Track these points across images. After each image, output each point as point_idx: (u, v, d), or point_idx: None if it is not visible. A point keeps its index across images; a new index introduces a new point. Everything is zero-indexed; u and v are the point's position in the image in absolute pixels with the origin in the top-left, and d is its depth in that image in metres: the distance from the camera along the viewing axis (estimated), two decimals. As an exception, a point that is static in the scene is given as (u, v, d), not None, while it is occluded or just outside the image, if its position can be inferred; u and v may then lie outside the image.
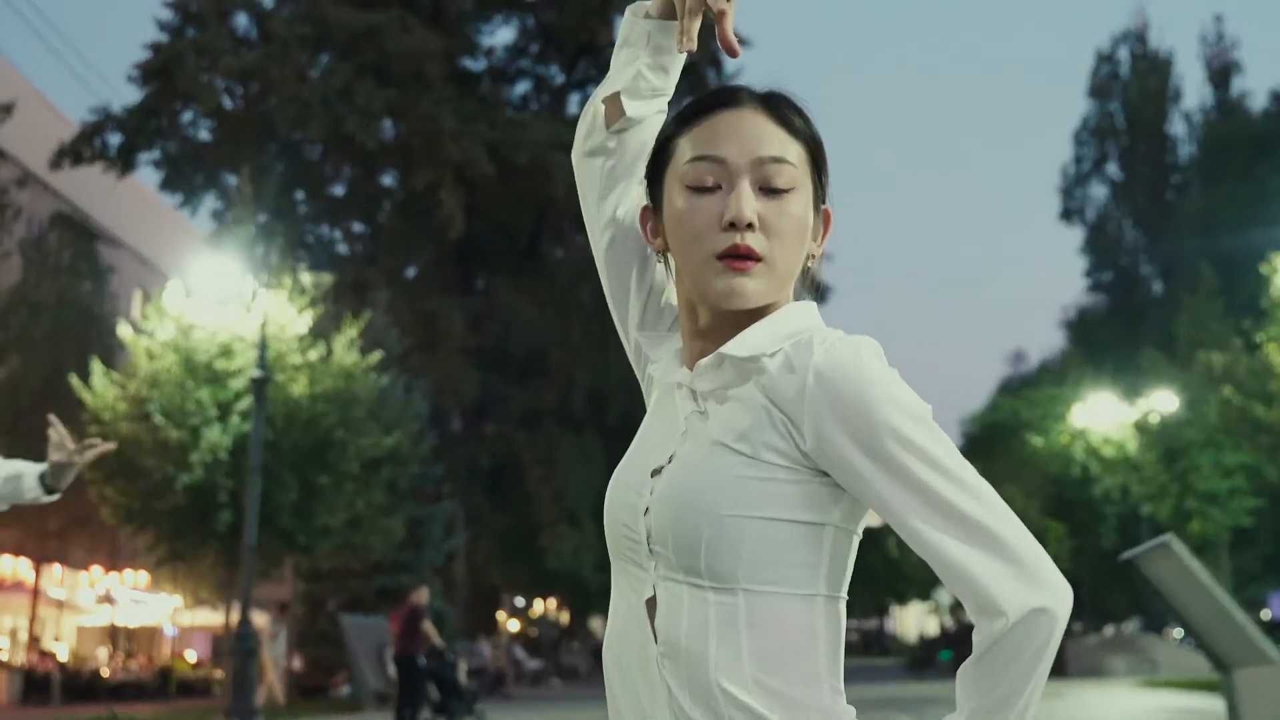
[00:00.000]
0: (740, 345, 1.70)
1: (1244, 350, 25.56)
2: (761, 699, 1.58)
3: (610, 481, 1.86)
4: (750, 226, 1.70)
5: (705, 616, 1.61)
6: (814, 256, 1.83)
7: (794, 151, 1.77)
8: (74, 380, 23.54)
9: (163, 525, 23.29)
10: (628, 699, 1.69)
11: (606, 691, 1.76)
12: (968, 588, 1.59)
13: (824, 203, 1.82)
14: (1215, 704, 20.72)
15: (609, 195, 1.97)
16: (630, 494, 1.76)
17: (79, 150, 39.68)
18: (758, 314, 1.75)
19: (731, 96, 1.82)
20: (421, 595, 20.96)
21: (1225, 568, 29.77)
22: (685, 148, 1.79)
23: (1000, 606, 1.57)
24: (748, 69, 34.46)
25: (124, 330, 23.90)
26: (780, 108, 1.80)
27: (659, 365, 1.88)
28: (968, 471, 1.62)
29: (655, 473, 1.74)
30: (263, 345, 21.92)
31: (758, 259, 1.72)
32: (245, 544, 21.26)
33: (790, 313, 1.76)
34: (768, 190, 1.74)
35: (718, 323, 1.76)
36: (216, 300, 23.72)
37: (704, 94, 1.86)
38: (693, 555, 1.62)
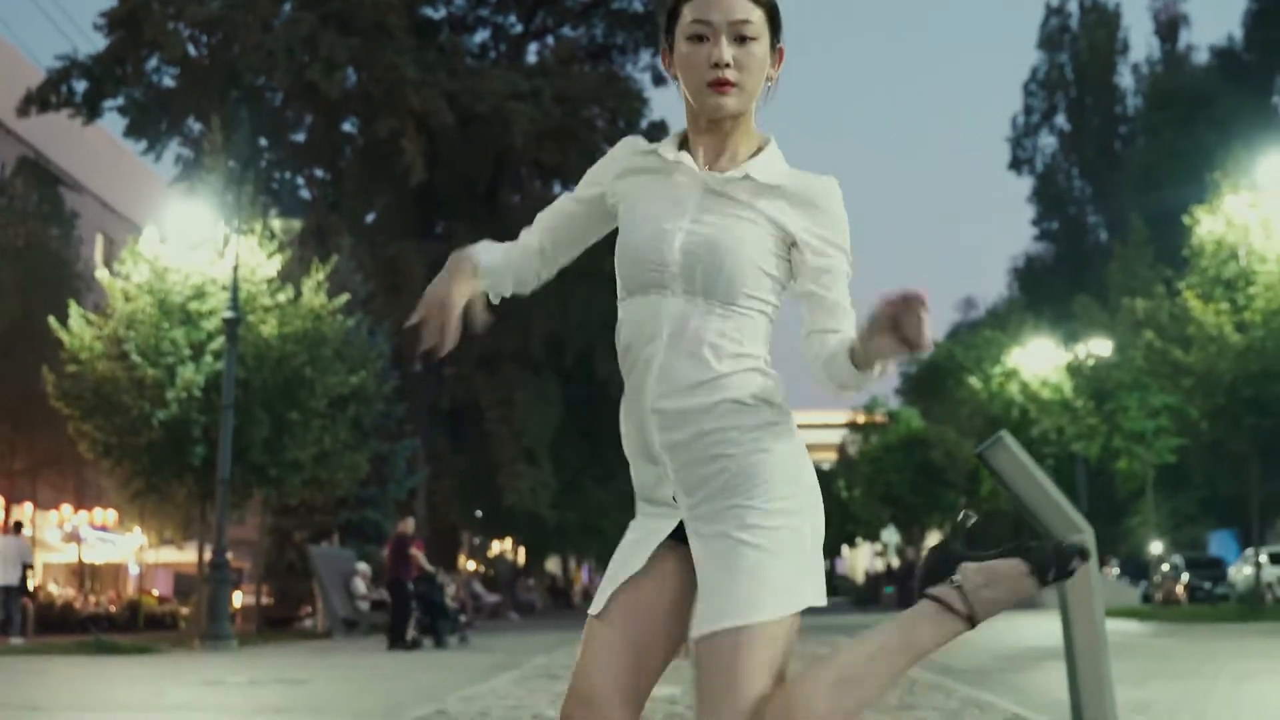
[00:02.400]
0: (765, 173, 2.69)
1: (1166, 297, 26.95)
2: (733, 349, 2.58)
3: (632, 231, 2.70)
4: (727, 66, 2.69)
5: (708, 314, 2.60)
6: (771, 78, 2.81)
7: (756, 14, 2.64)
8: (52, 321, 24.36)
9: (139, 460, 24.16)
10: (643, 358, 2.64)
11: (627, 394, 2.68)
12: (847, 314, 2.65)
13: (779, 43, 2.80)
14: (1129, 625, 22.26)
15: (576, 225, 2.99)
16: (658, 239, 2.64)
17: (46, 97, 40.26)
18: (736, 122, 2.69)
19: None
20: (408, 525, 22.44)
21: (1152, 503, 31.14)
22: (687, 13, 2.65)
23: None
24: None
25: (101, 274, 24.70)
26: None
27: (625, 179, 2.80)
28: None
29: (678, 225, 2.68)
30: (234, 288, 23.02)
31: (733, 85, 2.62)
32: (219, 477, 22.43)
33: (775, 151, 2.76)
34: (739, 40, 2.63)
35: (712, 126, 2.74)
36: (189, 245, 24.64)
37: None
38: (712, 280, 2.61)
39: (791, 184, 2.67)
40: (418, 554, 22.22)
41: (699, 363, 2.56)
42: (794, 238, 2.63)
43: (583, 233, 2.95)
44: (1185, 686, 10.21)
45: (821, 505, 2.64)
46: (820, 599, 2.56)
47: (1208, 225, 26.24)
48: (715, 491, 2.54)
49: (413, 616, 21.63)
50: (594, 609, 2.65)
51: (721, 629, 2.47)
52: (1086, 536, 5.90)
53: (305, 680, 13.19)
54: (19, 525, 28.16)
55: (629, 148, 2.82)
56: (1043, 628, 23.11)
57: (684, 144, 2.75)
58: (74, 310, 24.33)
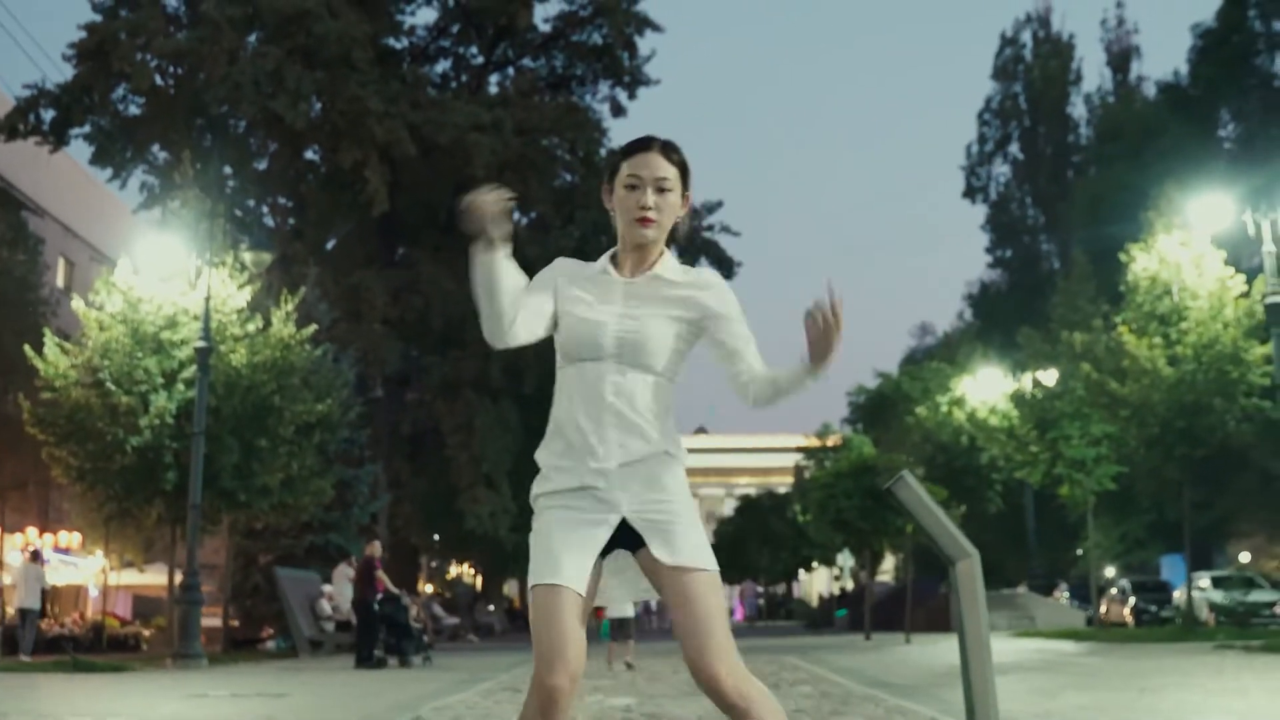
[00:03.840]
0: (668, 271, 3.76)
1: (1104, 331, 28.13)
2: (662, 417, 3.66)
3: (571, 319, 3.68)
4: (650, 208, 3.69)
5: (642, 383, 3.66)
6: (679, 219, 3.88)
7: (672, 172, 3.68)
8: (27, 349, 25.10)
9: (112, 484, 24.86)
10: (590, 423, 3.64)
11: (569, 427, 3.67)
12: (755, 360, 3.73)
13: (687, 191, 3.88)
14: (1065, 645, 23.32)
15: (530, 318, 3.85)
16: (594, 326, 3.64)
17: (14, 125, 41.07)
18: (653, 245, 3.70)
19: (646, 145, 3.71)
20: (375, 548, 23.40)
21: (1092, 528, 32.20)
22: (625, 169, 3.68)
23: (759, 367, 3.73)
24: (661, 52, 36.16)
25: (77, 304, 25.45)
26: (667, 150, 3.72)
27: (575, 284, 3.76)
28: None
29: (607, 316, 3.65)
30: (206, 318, 23.88)
31: (653, 221, 3.65)
32: (190, 502, 23.25)
33: (673, 258, 3.86)
34: (659, 190, 3.66)
35: (636, 249, 3.72)
36: (161, 276, 25.45)
37: (634, 140, 3.87)
38: (642, 356, 3.60)
39: (686, 278, 3.75)
40: (383, 576, 23.20)
41: (636, 421, 3.62)
42: (706, 312, 3.70)
43: (539, 316, 3.79)
44: (1092, 698, 11.20)
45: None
46: (716, 566, 3.57)
47: (1142, 262, 27.50)
48: (652, 498, 3.57)
49: (379, 637, 22.53)
50: (552, 577, 3.48)
51: (699, 567, 3.50)
52: (973, 559, 7.17)
53: (284, 694, 14.12)
54: (37, 553, 29.50)
55: (565, 264, 3.87)
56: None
57: (614, 258, 3.79)
58: (49, 338, 25.05)
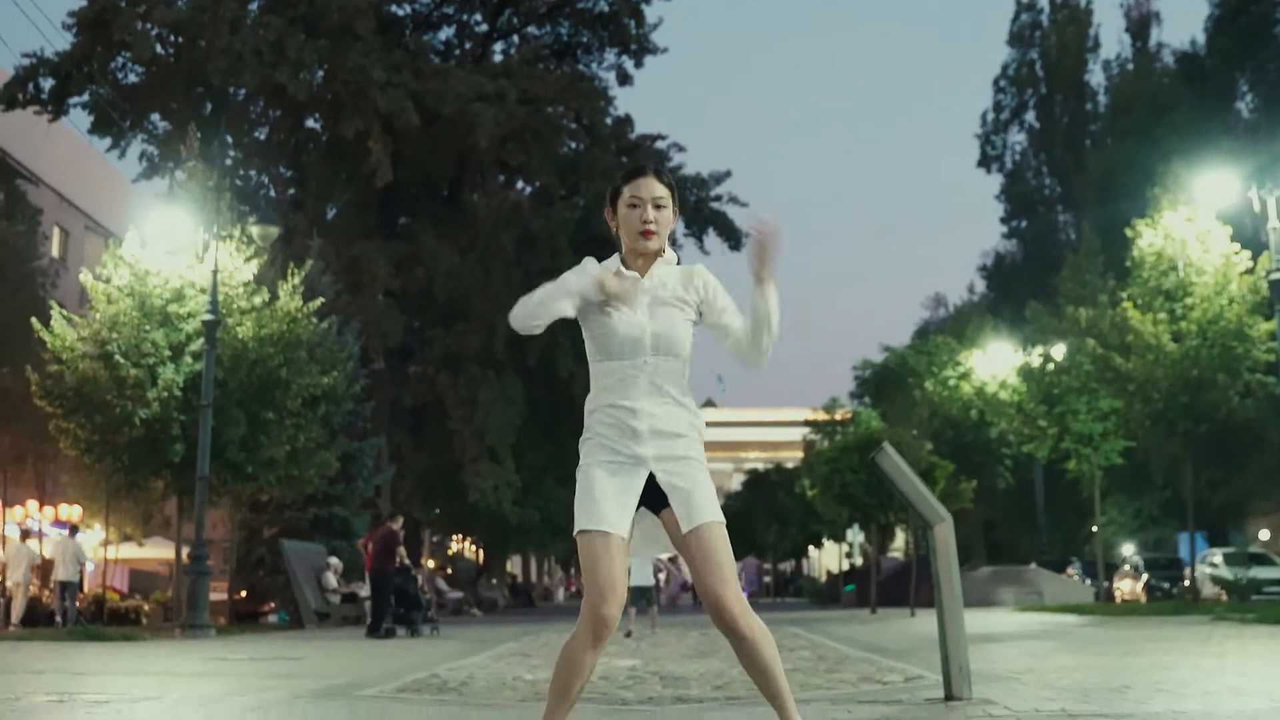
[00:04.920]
0: (670, 273, 4.67)
1: (1109, 306, 29.10)
2: (686, 393, 4.66)
3: (613, 322, 4.59)
4: (651, 222, 4.60)
5: (671, 369, 4.59)
6: (672, 229, 4.87)
7: (665, 192, 4.63)
8: (34, 322, 25.91)
9: (119, 457, 25.77)
10: (630, 404, 4.61)
11: (612, 408, 4.58)
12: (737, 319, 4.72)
13: (676, 207, 4.84)
14: (1071, 619, 24.25)
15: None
16: (634, 327, 4.56)
17: (13, 95, 41.88)
18: (655, 254, 4.65)
19: (643, 170, 4.68)
20: (396, 523, 24.47)
21: (1099, 505, 33.14)
22: (626, 191, 4.61)
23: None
24: (668, 19, 36.82)
25: (85, 277, 26.28)
26: (659, 174, 4.76)
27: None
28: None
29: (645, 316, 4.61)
30: (214, 291, 24.76)
31: (654, 233, 4.59)
32: (198, 474, 24.15)
33: (672, 260, 4.81)
34: (656, 207, 4.60)
35: (641, 256, 4.65)
36: (167, 250, 26.32)
37: (632, 168, 4.85)
38: (674, 348, 4.57)
39: (681, 274, 4.74)
40: (403, 551, 24.26)
41: (668, 402, 4.62)
42: (699, 297, 4.69)
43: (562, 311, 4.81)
44: (1077, 660, 12.15)
45: None
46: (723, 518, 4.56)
47: (1148, 238, 28.43)
48: (680, 458, 4.58)
49: (390, 608, 23.50)
50: (600, 524, 4.47)
51: (712, 520, 4.48)
52: (946, 524, 8.20)
53: (301, 658, 15.12)
54: (74, 528, 31.71)
55: (592, 266, 4.77)
56: (988, 619, 25.15)
57: (624, 263, 4.76)
58: (55, 311, 25.89)
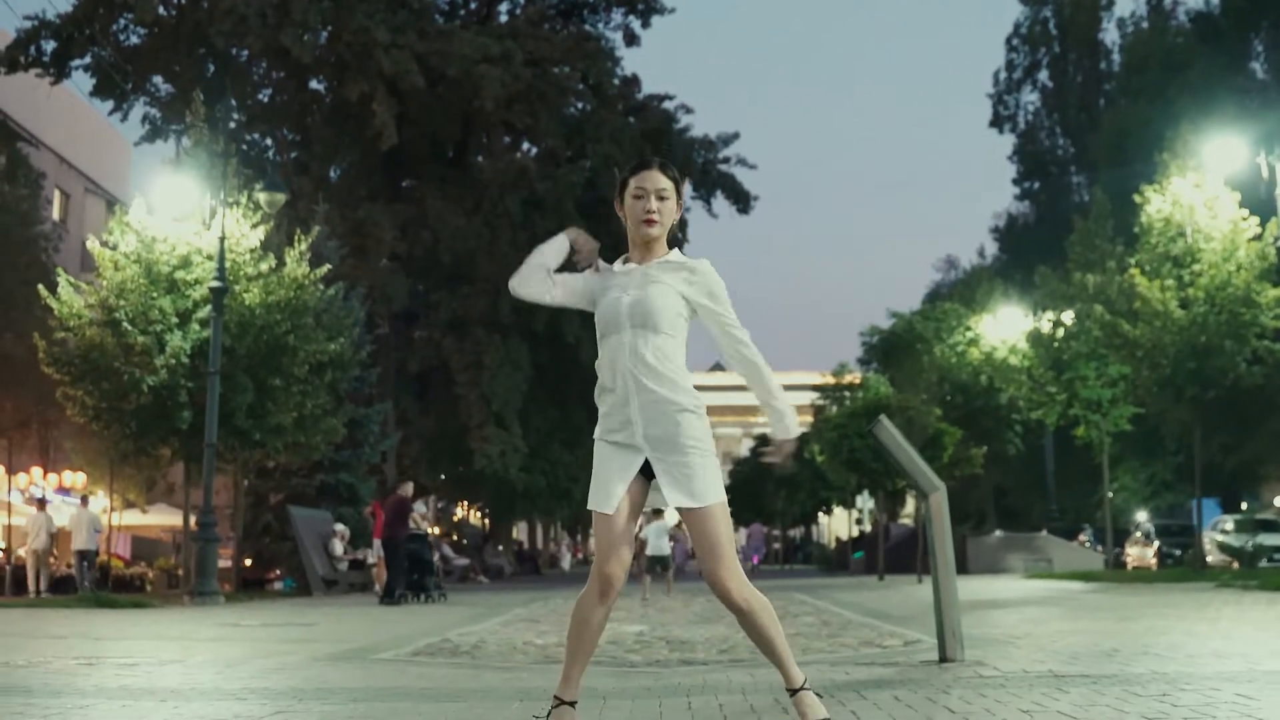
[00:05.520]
0: (671, 258, 5.16)
1: (1117, 272, 29.51)
2: (672, 371, 5.09)
3: (601, 303, 5.14)
4: (653, 211, 5.12)
5: (656, 343, 5.05)
6: (675, 219, 5.34)
7: (669, 184, 5.10)
8: (41, 289, 26.33)
9: (127, 424, 26.19)
10: (620, 381, 5.11)
11: (609, 384, 5.15)
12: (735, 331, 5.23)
13: (680, 199, 5.33)
14: (1076, 585, 24.77)
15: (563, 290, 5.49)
16: (618, 304, 5.03)
17: (15, 58, 42.25)
18: (657, 241, 5.14)
19: (648, 164, 5.16)
20: (408, 488, 25.04)
21: (1108, 468, 33.63)
22: (632, 183, 5.10)
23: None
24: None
25: (91, 244, 26.69)
26: (664, 167, 5.25)
27: (602, 277, 5.27)
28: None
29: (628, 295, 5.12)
30: (221, 258, 25.20)
31: (656, 222, 5.08)
32: (206, 441, 24.64)
33: (675, 252, 5.28)
34: (659, 198, 5.08)
35: (643, 244, 5.15)
36: (174, 217, 26.74)
37: (638, 161, 5.36)
38: (650, 320, 4.99)
39: (684, 264, 5.17)
40: (417, 516, 24.81)
41: (649, 374, 5.04)
42: (697, 294, 5.12)
43: (575, 292, 5.38)
44: (1074, 625, 12.65)
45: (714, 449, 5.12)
46: (723, 496, 5.03)
47: (1156, 204, 28.83)
48: (671, 441, 4.99)
49: (403, 574, 24.06)
50: (604, 507, 4.99)
51: (708, 504, 4.94)
52: (940, 493, 8.74)
53: (314, 624, 15.66)
54: (86, 498, 32.96)
55: (605, 268, 5.32)
56: (995, 585, 25.67)
57: (628, 257, 5.26)
58: (62, 277, 26.31)
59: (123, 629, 14.54)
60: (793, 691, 4.99)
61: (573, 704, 5.03)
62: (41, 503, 33.88)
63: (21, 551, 36.17)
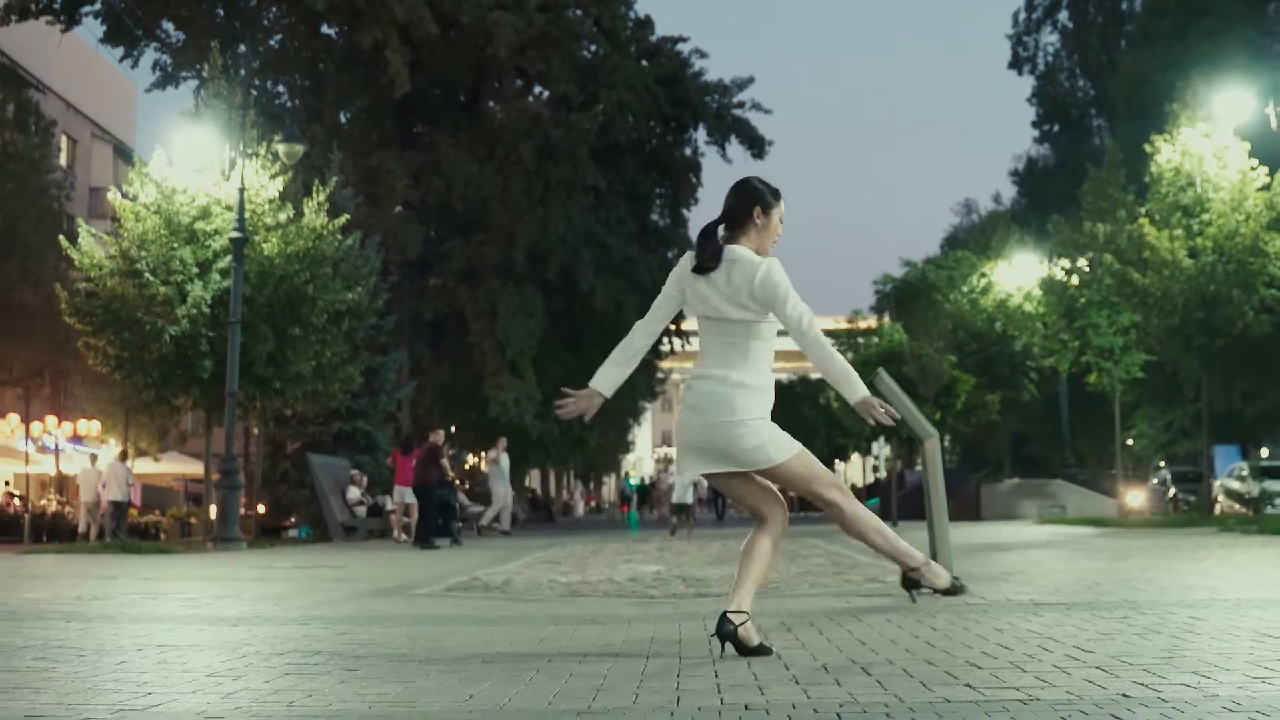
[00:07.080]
0: (744, 266, 6.20)
1: (1128, 221, 30.38)
2: (741, 364, 6.24)
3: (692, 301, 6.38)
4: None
5: (727, 340, 6.20)
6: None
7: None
8: (62, 240, 27.33)
9: (149, 373, 27.18)
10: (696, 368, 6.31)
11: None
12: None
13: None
14: (1085, 530, 25.74)
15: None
16: (699, 297, 6.25)
17: (25, 5, 43.10)
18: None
19: (779, 196, 6.34)
20: (439, 435, 26.21)
21: (1119, 419, 34.61)
22: (781, 207, 6.33)
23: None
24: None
25: (112, 195, 27.63)
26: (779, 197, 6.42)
27: (689, 282, 6.34)
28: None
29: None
30: (241, 209, 26.16)
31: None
32: (227, 390, 25.70)
33: (754, 257, 6.34)
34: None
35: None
36: (194, 168, 27.68)
37: (776, 189, 6.42)
38: (719, 312, 6.15)
39: (751, 266, 6.13)
40: (446, 463, 25.98)
41: (722, 364, 6.17)
42: (757, 295, 6.08)
43: (670, 313, 6.60)
44: (1071, 565, 13.64)
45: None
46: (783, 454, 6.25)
47: (1166, 153, 29.71)
48: (719, 428, 6.11)
49: (435, 520, 25.23)
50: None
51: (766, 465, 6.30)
52: (934, 439, 9.86)
53: (345, 565, 16.73)
54: (124, 453, 35.72)
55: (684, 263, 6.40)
56: (1005, 530, 26.68)
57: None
58: (83, 229, 27.29)
59: (163, 571, 15.58)
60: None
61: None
62: (94, 457, 37.05)
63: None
